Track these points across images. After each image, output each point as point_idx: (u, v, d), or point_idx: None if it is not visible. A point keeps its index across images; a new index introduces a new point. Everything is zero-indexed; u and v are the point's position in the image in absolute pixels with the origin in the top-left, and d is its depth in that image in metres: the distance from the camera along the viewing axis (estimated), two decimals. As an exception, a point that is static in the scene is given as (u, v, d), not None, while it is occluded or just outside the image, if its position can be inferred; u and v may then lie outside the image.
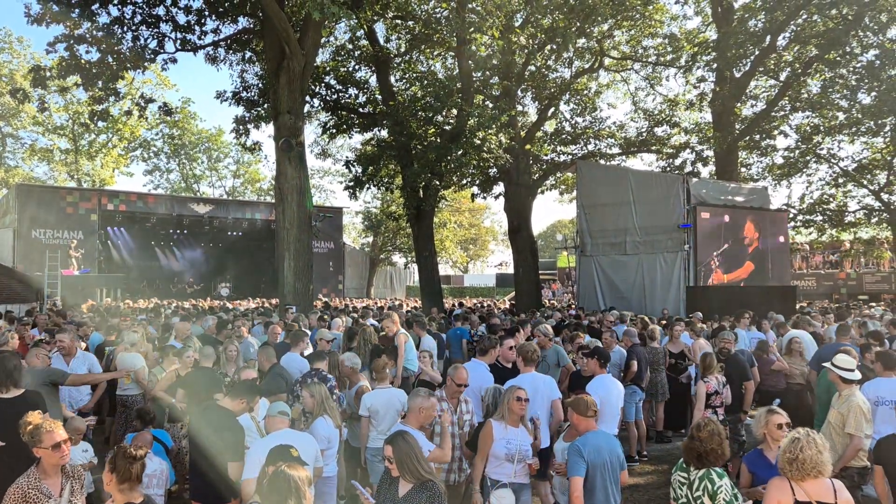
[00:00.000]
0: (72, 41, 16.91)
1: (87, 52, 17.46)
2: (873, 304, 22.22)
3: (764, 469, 5.11)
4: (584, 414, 5.00)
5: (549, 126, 27.09)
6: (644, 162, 32.55)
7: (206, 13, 18.83)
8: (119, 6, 17.42)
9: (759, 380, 9.31)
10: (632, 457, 9.10)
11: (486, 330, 12.24)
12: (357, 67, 24.29)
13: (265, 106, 21.15)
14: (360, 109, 24.18)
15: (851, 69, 21.35)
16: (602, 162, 25.37)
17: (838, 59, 21.08)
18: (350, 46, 23.79)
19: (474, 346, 11.22)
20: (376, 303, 28.49)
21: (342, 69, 23.73)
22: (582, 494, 4.69)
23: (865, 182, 26.23)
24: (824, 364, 6.52)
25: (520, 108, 25.63)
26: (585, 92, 26.52)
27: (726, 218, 18.70)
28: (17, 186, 33.49)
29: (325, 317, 13.81)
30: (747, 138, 24.82)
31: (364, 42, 23.35)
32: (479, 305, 21.90)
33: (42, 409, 5.04)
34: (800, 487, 3.95)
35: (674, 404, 10.30)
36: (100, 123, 22.82)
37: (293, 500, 3.37)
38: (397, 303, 27.32)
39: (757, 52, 22.42)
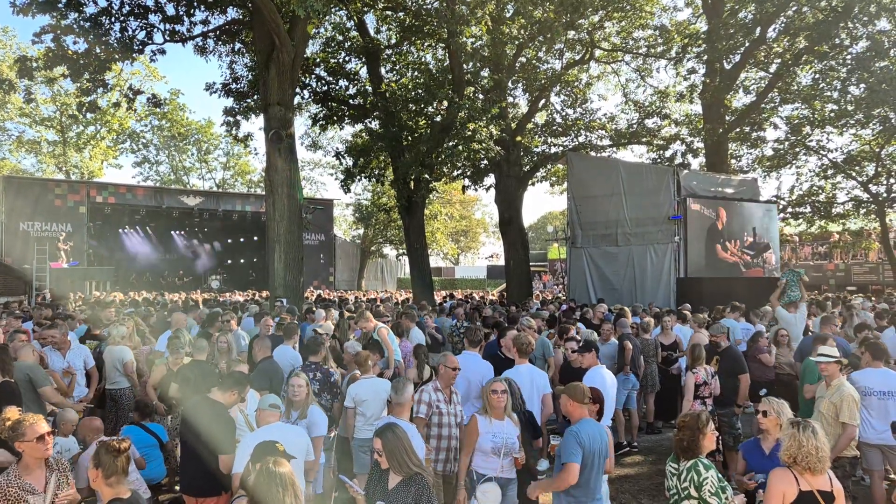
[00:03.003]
0: (58, 32, 16.72)
1: (75, 42, 17.28)
2: (860, 294, 22.36)
3: (757, 459, 5.16)
4: (580, 401, 4.97)
5: (540, 118, 27.08)
6: (634, 154, 32.75)
7: (196, 3, 18.64)
8: (106, -4, 17.25)
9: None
10: (620, 444, 9.14)
11: (482, 323, 12.22)
12: (347, 59, 24.16)
13: (255, 97, 21.03)
14: (351, 101, 24.09)
15: (841, 61, 21.41)
16: (593, 154, 25.38)
17: (828, 50, 21.13)
18: (340, 38, 23.65)
19: (458, 338, 11.27)
20: (365, 295, 28.47)
21: (332, 60, 23.61)
22: (575, 480, 4.72)
23: (854, 174, 26.36)
24: (811, 358, 6.57)
25: (511, 99, 25.63)
26: (576, 83, 26.50)
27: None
28: (4, 179, 33.23)
29: (314, 309, 13.78)
30: (737, 130, 24.89)
31: (354, 33, 23.24)
32: (464, 299, 21.82)
33: (17, 402, 5.05)
34: (803, 478, 4.03)
35: (667, 396, 10.34)
36: (88, 115, 22.62)
37: (290, 497, 3.36)
38: (386, 295, 27.31)
39: (747, 44, 22.44)
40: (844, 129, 24.44)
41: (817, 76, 22.73)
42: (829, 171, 26.91)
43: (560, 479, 4.76)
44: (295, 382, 5.98)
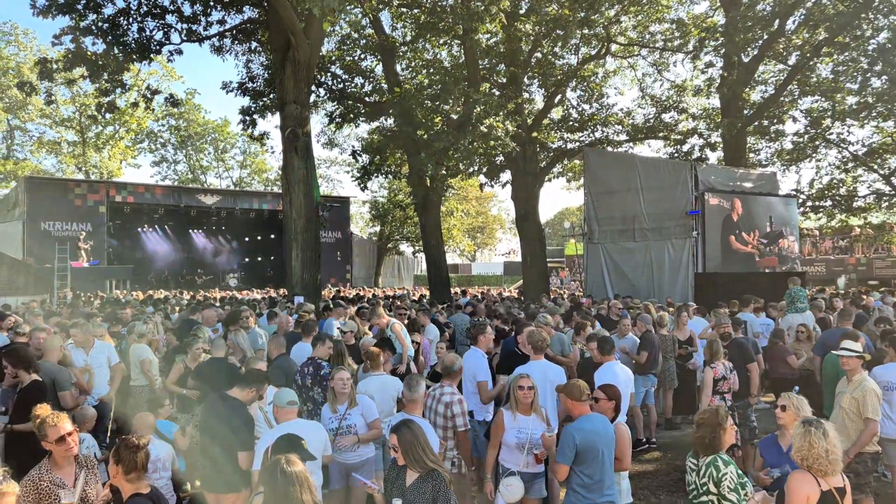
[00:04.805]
0: (77, 33, 16.92)
1: (94, 44, 17.49)
2: (883, 289, 22.05)
3: (774, 455, 5.12)
4: (577, 398, 4.95)
5: (556, 113, 26.97)
6: (651, 148, 32.56)
7: (212, 3, 18.79)
8: (124, -3, 17.43)
9: (763, 366, 9.27)
10: (639, 440, 9.09)
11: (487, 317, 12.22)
12: (363, 56, 24.23)
13: (271, 96, 21.14)
14: (367, 98, 24.14)
15: (862, 52, 21.10)
16: (609, 149, 25.25)
17: (849, 42, 20.84)
18: (356, 35, 23.71)
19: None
20: (383, 291, 28.55)
21: (348, 58, 23.69)
22: (562, 479, 4.82)
23: (875, 166, 25.99)
24: (835, 352, 6.48)
25: (526, 95, 25.51)
26: (592, 78, 26.35)
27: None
28: (25, 179, 33.65)
29: (331, 307, 13.82)
30: (756, 123, 24.62)
31: (369, 31, 23.28)
32: (479, 296, 21.74)
33: (47, 400, 5.14)
34: (821, 478, 3.99)
35: (685, 391, 10.28)
36: (107, 115, 22.85)
37: (307, 494, 3.37)
38: (403, 292, 27.38)
39: (765, 37, 22.17)
40: (865, 122, 24.10)
41: (838, 68, 22.43)
42: (850, 165, 26.54)
43: (552, 472, 4.94)
44: (343, 377, 5.98)
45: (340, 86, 23.76)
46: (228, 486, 5.18)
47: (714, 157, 25.70)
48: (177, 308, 15.79)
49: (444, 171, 20.87)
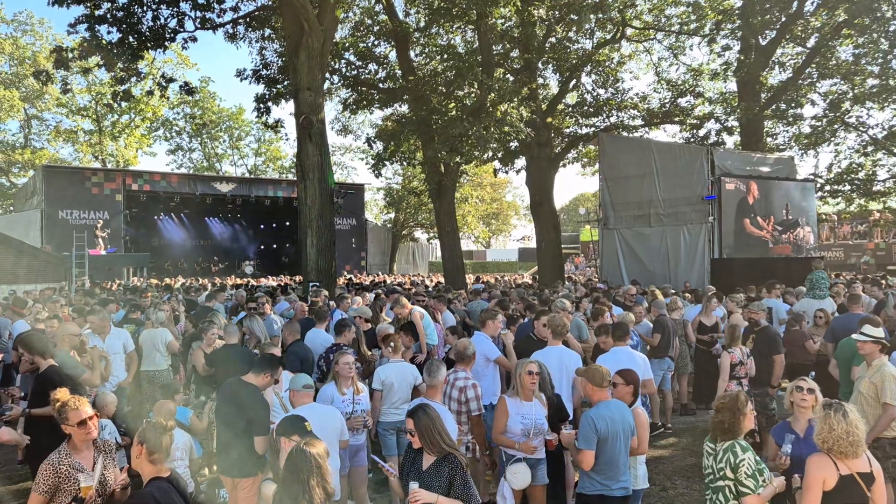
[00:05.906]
0: (92, 21, 16.96)
1: (108, 32, 17.53)
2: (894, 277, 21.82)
3: (787, 441, 5.07)
4: (598, 384, 4.95)
5: (571, 98, 26.75)
6: (667, 133, 32.10)
7: (225, -10, 18.76)
8: (138, -15, 17.42)
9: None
10: (655, 424, 9.06)
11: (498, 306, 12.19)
12: (377, 43, 24.12)
13: (285, 83, 21.12)
14: (381, 85, 24.06)
15: (883, 33, 20.76)
16: (625, 134, 25.04)
17: (869, 23, 20.50)
18: (369, 21, 23.61)
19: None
20: (396, 278, 28.61)
21: (362, 45, 23.59)
22: (590, 466, 4.78)
23: (896, 150, 25.62)
24: (854, 336, 6.39)
25: (541, 80, 25.32)
26: (607, 63, 26.06)
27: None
28: (43, 168, 33.96)
29: (346, 296, 13.84)
30: (773, 107, 24.33)
31: (383, 17, 23.17)
32: (490, 282, 21.70)
33: (66, 384, 5.19)
34: (841, 462, 3.93)
35: (708, 377, 10.20)
36: (122, 104, 22.96)
37: (315, 479, 3.36)
38: (419, 279, 27.40)
39: (783, 19, 21.87)
40: (886, 105, 23.75)
41: (858, 50, 22.08)
42: (870, 148, 26.18)
43: (578, 462, 4.87)
44: (348, 360, 6.03)
45: (354, 72, 23.70)
46: (244, 470, 5.21)
47: (731, 141, 25.44)
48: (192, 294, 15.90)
49: (458, 158, 20.77)
